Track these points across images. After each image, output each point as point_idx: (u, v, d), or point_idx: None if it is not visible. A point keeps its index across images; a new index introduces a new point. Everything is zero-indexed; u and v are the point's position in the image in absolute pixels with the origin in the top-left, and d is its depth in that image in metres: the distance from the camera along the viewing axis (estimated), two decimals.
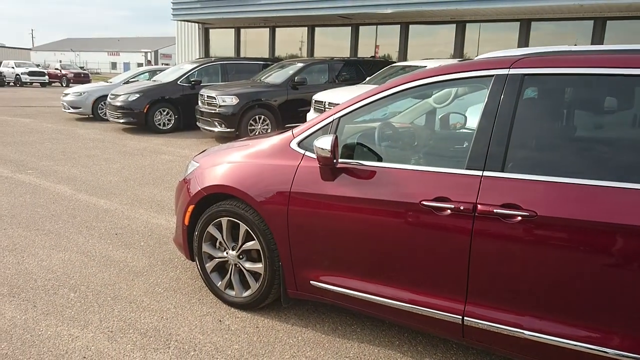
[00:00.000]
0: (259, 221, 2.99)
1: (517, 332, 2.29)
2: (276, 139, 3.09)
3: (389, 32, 14.70)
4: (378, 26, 14.82)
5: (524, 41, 12.41)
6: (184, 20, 17.41)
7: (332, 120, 2.86)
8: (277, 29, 16.72)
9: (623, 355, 2.07)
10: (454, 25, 13.39)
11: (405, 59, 13.99)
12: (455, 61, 3.57)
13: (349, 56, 14.32)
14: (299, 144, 2.94)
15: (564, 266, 2.14)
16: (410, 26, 14.18)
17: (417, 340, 2.90)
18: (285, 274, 2.98)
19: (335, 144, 2.60)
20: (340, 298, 2.83)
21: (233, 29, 17.63)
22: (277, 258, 2.98)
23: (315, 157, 2.71)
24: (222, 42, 18.14)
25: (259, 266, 3.08)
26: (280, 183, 2.89)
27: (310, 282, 2.89)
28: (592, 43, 11.72)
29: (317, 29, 15.90)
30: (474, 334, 2.43)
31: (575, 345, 2.16)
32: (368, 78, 9.96)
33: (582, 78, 2.28)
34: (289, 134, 3.05)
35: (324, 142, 2.60)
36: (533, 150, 2.34)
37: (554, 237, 2.14)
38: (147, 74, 14.45)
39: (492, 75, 2.43)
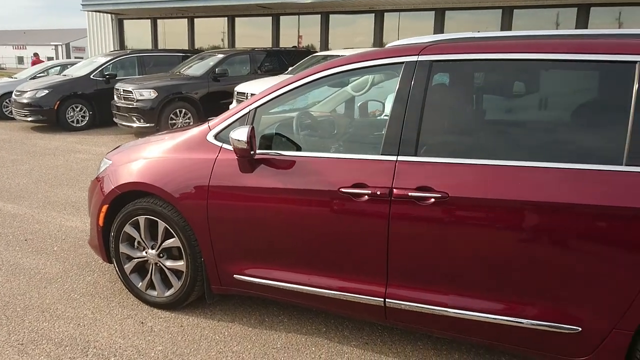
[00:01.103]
0: (178, 217, 2.90)
1: (435, 309, 2.38)
2: (192, 132, 3.00)
3: (310, 22, 14.71)
4: (300, 16, 14.80)
5: (439, 30, 12.86)
6: (95, 11, 16.49)
7: (248, 111, 2.81)
8: (195, 20, 16.24)
9: (536, 324, 2.21)
10: (373, 14, 13.63)
11: (327, 49, 14.07)
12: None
13: (271, 46, 14.19)
14: (216, 137, 2.87)
15: (477, 244, 2.24)
16: (331, 16, 14.27)
17: (343, 326, 2.94)
18: (208, 270, 2.92)
19: (251, 135, 2.56)
20: (266, 290, 2.81)
21: (149, 20, 16.93)
22: (199, 254, 2.91)
23: (233, 149, 2.65)
24: (138, 34, 17.38)
25: (180, 264, 2.99)
26: (198, 177, 2.81)
27: (234, 276, 2.85)
28: (502, 30, 12.33)
29: (237, 19, 15.61)
30: (396, 315, 2.49)
31: (494, 318, 2.28)
32: (290, 68, 9.93)
33: (487, 63, 2.38)
34: (205, 126, 2.97)
35: (240, 134, 2.56)
36: (444, 134, 2.42)
37: (465, 216, 2.24)
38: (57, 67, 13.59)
39: (402, 62, 2.49)
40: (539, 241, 2.14)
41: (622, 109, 2.09)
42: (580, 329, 2.14)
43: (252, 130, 2.57)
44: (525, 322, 2.23)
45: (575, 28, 11.53)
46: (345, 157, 2.54)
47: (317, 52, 11.78)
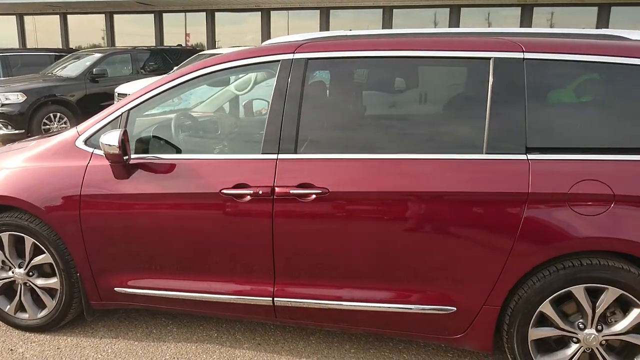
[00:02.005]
0: (48, 232, 2.66)
1: (324, 303, 2.41)
2: (59, 138, 2.77)
3: (196, 20, 14.34)
4: (186, 14, 14.36)
5: (325, 28, 13.15)
6: None
7: (120, 113, 2.65)
8: (69, 16, 15.13)
9: (424, 309, 2.32)
10: (260, 13, 13.60)
11: (215, 47, 13.81)
12: None
13: (155, 45, 13.62)
14: (86, 142, 2.67)
15: (360, 236, 2.30)
16: (217, 14, 14.02)
17: (235, 329, 2.89)
18: (85, 285, 2.72)
19: (124, 139, 2.42)
20: (151, 300, 2.68)
21: (14, 16, 15.47)
22: (74, 269, 2.70)
23: (104, 154, 2.49)
24: (3, 31, 15.81)
25: (53, 281, 2.75)
26: (68, 187, 2.60)
27: (116, 289, 2.68)
28: (383, 29, 12.89)
29: (116, 16, 14.79)
30: (286, 313, 2.50)
31: (381, 307, 2.36)
32: (175, 68, 9.59)
33: (361, 60, 2.45)
34: (73, 131, 2.75)
35: (111, 138, 2.40)
36: (322, 131, 2.46)
37: (346, 210, 2.29)
38: None
39: (279, 61, 2.49)
40: (416, 230, 2.25)
41: (481, 102, 2.26)
42: (455, 308, 2.29)
43: (125, 133, 2.43)
44: (409, 308, 2.34)
45: (449, 27, 12.36)
46: (226, 158, 2.49)
47: (203, 50, 11.50)
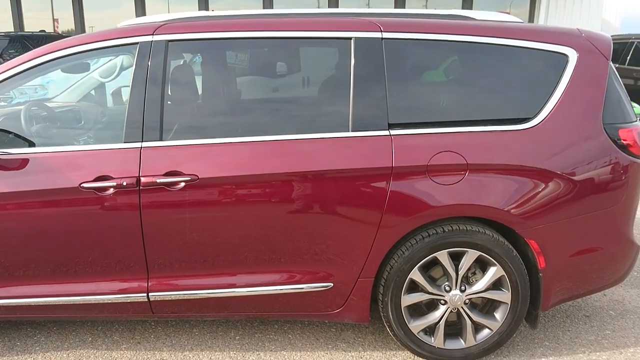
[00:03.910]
0: None
1: (202, 293, 2.35)
2: None
3: (63, 5, 13.20)
4: None
5: (204, 9, 12.74)
6: None
7: None
8: None
9: (302, 288, 2.34)
10: None
11: (83, 32, 12.83)
12: None
13: (13, 31, 12.32)
14: None
15: (235, 221, 2.26)
16: None
17: (112, 330, 2.73)
18: None
19: None
20: (11, 310, 2.44)
21: None
22: None
23: None
24: None
25: None
26: None
27: None
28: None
29: None
30: (163, 307, 2.40)
31: (263, 290, 2.35)
32: None
33: (223, 41, 2.39)
34: None
35: None
36: (188, 116, 2.38)
37: (218, 195, 2.23)
38: None
39: (137, 43, 2.34)
40: (289, 211, 2.25)
41: (346, 82, 2.30)
42: (332, 284, 2.34)
43: None
44: (288, 288, 2.34)
45: (328, 7, 12.54)
46: (86, 150, 2.33)
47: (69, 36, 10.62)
